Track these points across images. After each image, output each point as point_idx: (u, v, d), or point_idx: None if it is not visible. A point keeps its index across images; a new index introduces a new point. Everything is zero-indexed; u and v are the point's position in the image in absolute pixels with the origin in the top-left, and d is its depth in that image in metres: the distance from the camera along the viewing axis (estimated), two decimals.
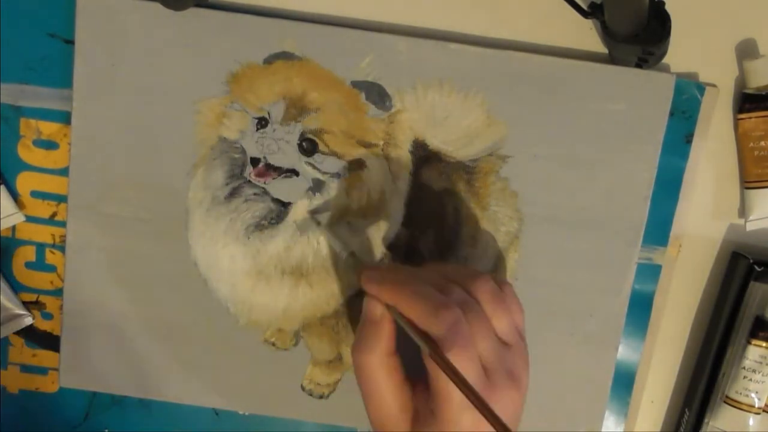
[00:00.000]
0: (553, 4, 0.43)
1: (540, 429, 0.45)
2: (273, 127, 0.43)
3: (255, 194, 0.44)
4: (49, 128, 0.45)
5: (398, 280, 0.38)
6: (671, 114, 0.43)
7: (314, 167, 0.43)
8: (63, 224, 0.46)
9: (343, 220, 0.44)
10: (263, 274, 0.44)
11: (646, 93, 0.43)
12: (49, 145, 0.45)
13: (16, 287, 0.47)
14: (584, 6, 0.42)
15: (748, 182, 0.44)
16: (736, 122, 0.44)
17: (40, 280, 0.47)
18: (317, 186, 0.43)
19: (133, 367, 0.46)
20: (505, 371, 0.36)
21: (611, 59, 0.44)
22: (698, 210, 0.45)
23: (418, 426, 0.37)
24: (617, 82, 0.43)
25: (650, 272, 0.45)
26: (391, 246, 0.44)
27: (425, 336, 0.35)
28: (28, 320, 0.46)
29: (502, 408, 0.35)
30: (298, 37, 0.43)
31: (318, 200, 0.43)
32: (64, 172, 0.45)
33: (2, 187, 0.45)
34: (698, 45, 0.44)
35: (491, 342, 0.37)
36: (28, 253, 0.46)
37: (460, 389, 0.33)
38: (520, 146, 0.43)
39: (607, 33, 0.41)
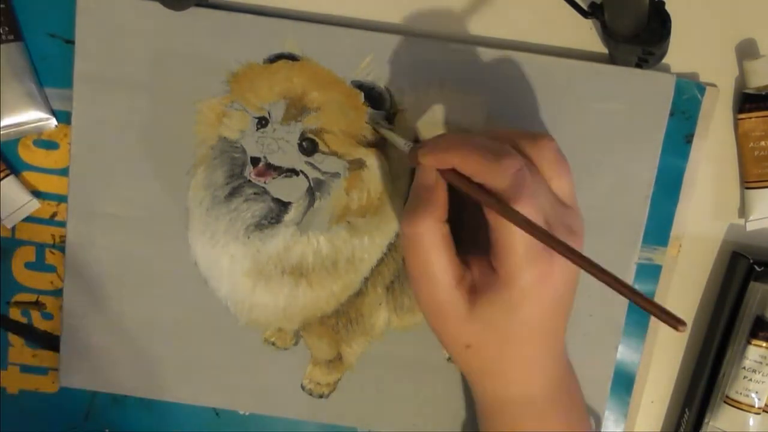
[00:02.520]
0: (553, 4, 0.43)
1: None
2: (273, 127, 0.43)
3: (255, 194, 0.44)
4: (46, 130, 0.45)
5: (453, 141, 0.36)
6: (671, 114, 0.43)
7: (314, 167, 0.43)
8: (63, 224, 0.46)
9: (343, 219, 0.44)
10: (263, 273, 0.44)
11: (646, 93, 0.43)
12: (49, 145, 0.45)
13: (16, 287, 0.47)
14: (584, 6, 0.42)
15: (748, 182, 0.44)
16: (737, 122, 0.44)
17: (40, 280, 0.47)
18: (317, 186, 0.43)
19: (134, 366, 0.46)
20: (565, 227, 0.36)
21: (611, 59, 0.44)
22: (698, 210, 0.45)
23: (476, 298, 0.36)
24: (617, 82, 0.43)
25: (650, 272, 0.45)
26: (391, 246, 0.44)
27: (487, 191, 0.34)
28: (34, 204, 0.45)
29: (565, 263, 0.34)
30: (298, 37, 0.43)
31: (318, 200, 0.43)
32: (64, 172, 0.45)
33: (12, 177, 0.45)
34: (698, 45, 0.44)
35: (550, 197, 0.36)
36: (28, 253, 0.46)
37: (530, 233, 0.32)
38: None
39: (607, 33, 0.42)
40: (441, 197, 0.36)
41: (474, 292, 0.36)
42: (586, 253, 0.43)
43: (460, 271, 0.37)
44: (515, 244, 0.34)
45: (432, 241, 0.36)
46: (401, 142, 0.40)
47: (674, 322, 0.29)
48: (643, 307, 0.30)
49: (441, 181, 0.36)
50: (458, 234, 0.38)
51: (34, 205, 0.45)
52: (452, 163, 0.35)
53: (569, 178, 0.37)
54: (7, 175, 0.44)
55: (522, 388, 0.38)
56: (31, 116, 0.44)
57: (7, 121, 0.43)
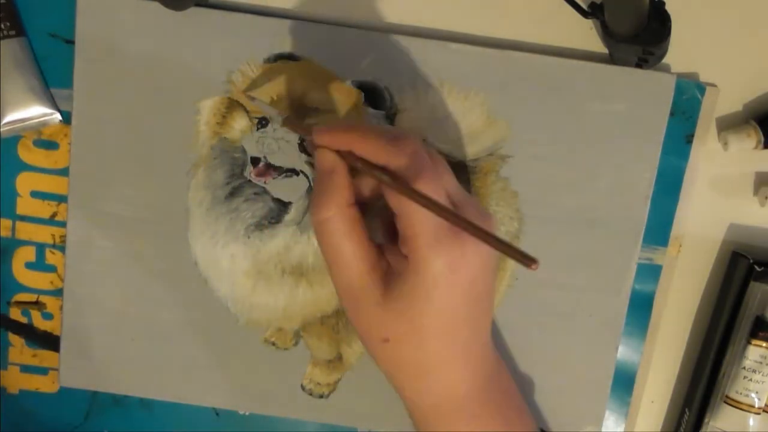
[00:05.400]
0: (553, 4, 0.43)
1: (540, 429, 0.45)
2: (273, 127, 0.43)
3: (255, 194, 0.44)
4: (49, 128, 0.45)
5: (350, 123, 0.36)
6: (672, 114, 0.43)
7: (314, 166, 0.43)
8: (63, 224, 0.46)
9: None
10: (263, 273, 0.44)
11: (646, 93, 0.43)
12: (49, 145, 0.45)
13: (16, 287, 0.47)
14: (584, 6, 0.42)
15: None
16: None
17: (40, 280, 0.47)
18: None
19: (133, 366, 0.46)
20: (473, 206, 0.35)
21: (611, 59, 0.44)
22: (698, 210, 0.45)
23: (389, 287, 0.34)
24: (617, 82, 0.43)
25: (650, 272, 0.45)
26: None
27: (386, 171, 0.33)
28: (57, 117, 0.45)
29: (477, 245, 0.33)
30: (298, 37, 0.43)
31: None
32: (64, 172, 0.45)
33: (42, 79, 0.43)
34: (698, 45, 0.44)
35: (453, 179, 0.35)
36: (28, 253, 0.46)
37: (434, 212, 0.31)
38: (521, 146, 0.43)
39: (607, 33, 0.42)
40: (343, 180, 0.35)
41: (388, 279, 0.35)
42: (586, 253, 0.44)
43: (373, 257, 0.35)
44: (422, 228, 0.33)
45: (339, 226, 0.35)
46: (274, 113, 0.39)
47: (527, 261, 0.29)
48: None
49: (341, 164, 0.35)
50: (373, 225, 0.37)
51: (56, 118, 0.44)
52: (350, 143, 0.35)
53: (452, 175, 0.36)
54: None
55: (447, 390, 0.36)
56: (35, 111, 0.44)
57: (11, 116, 0.43)
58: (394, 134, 0.34)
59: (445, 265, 0.33)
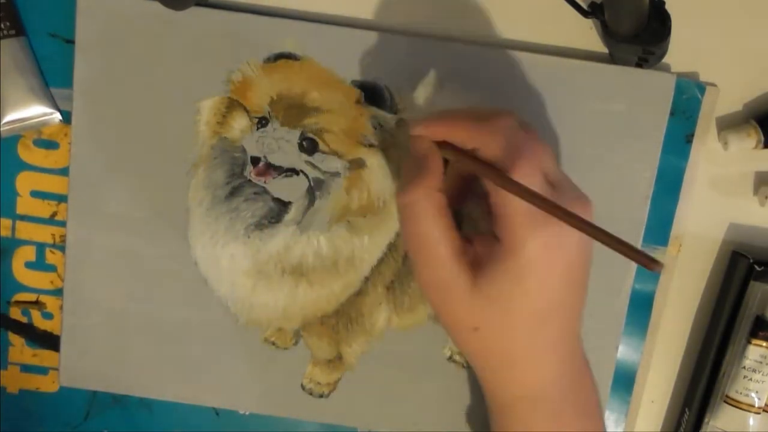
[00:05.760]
0: (553, 4, 0.43)
1: None
2: (273, 127, 0.43)
3: (255, 193, 0.44)
4: (49, 128, 0.45)
5: (444, 111, 0.35)
6: (672, 114, 0.43)
7: (314, 166, 0.43)
8: (63, 224, 0.46)
9: (343, 219, 0.44)
10: (263, 273, 0.44)
11: (646, 93, 0.43)
12: (49, 144, 0.45)
13: (16, 287, 0.47)
14: (584, 6, 0.42)
15: None
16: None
17: (40, 280, 0.47)
18: (317, 185, 0.43)
19: (133, 366, 0.46)
20: (571, 187, 0.33)
21: (611, 59, 0.44)
22: (698, 210, 0.45)
23: (479, 272, 0.33)
24: (617, 82, 0.43)
25: (650, 272, 0.45)
26: (392, 246, 0.44)
27: (482, 161, 0.32)
28: (57, 117, 0.45)
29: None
30: (298, 37, 0.43)
31: (318, 199, 0.43)
32: (64, 172, 0.45)
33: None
34: (698, 45, 0.44)
35: (553, 158, 0.33)
36: (28, 253, 0.46)
37: (526, 199, 0.30)
38: None
39: (607, 33, 0.42)
40: (434, 165, 0.34)
41: (478, 266, 0.33)
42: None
43: (460, 243, 0.34)
44: (517, 208, 0.31)
45: (426, 209, 0.33)
46: (389, 118, 0.39)
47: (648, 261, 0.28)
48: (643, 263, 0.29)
49: (434, 150, 0.34)
50: (460, 224, 0.36)
51: (56, 118, 0.44)
52: (443, 130, 0.34)
53: (549, 151, 0.35)
54: None
55: (533, 382, 0.35)
56: (35, 111, 0.44)
57: (11, 116, 0.43)
58: (485, 114, 0.33)
59: (541, 245, 0.32)
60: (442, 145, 0.34)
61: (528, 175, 0.31)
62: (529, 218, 0.32)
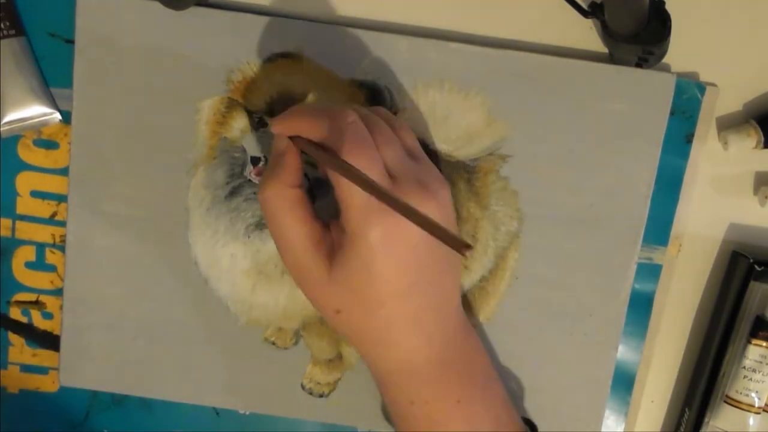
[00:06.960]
0: (553, 4, 0.43)
1: (540, 429, 0.45)
2: None
3: (255, 193, 0.44)
4: (49, 128, 0.45)
5: (300, 108, 0.37)
6: (672, 114, 0.43)
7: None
8: (63, 224, 0.46)
9: None
10: (263, 273, 0.44)
11: (646, 93, 0.43)
12: (49, 144, 0.45)
13: (16, 287, 0.47)
14: (584, 6, 0.42)
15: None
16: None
17: (40, 280, 0.47)
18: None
19: (134, 366, 0.46)
20: (414, 180, 0.35)
21: (611, 59, 0.44)
22: (698, 210, 0.45)
23: (334, 258, 0.35)
24: (617, 82, 0.43)
25: (650, 272, 0.45)
26: None
27: (324, 148, 0.34)
28: (56, 117, 0.45)
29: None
30: (298, 37, 0.43)
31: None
32: (64, 172, 0.45)
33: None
34: (698, 45, 0.44)
35: (397, 150, 0.35)
36: (28, 253, 0.46)
37: (362, 187, 0.32)
38: (521, 146, 0.43)
39: (607, 33, 0.42)
40: (290, 162, 0.36)
41: (333, 253, 0.36)
42: (586, 252, 0.44)
43: (318, 234, 0.36)
44: (354, 199, 0.33)
45: (281, 205, 0.36)
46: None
47: (459, 245, 0.30)
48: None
49: (291, 147, 0.36)
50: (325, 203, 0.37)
51: (56, 118, 0.45)
52: (297, 127, 0.36)
53: (411, 135, 0.37)
54: None
55: (402, 355, 0.36)
56: (35, 111, 0.44)
57: (11, 116, 0.43)
58: (332, 109, 0.35)
59: (380, 235, 0.33)
60: (297, 139, 0.36)
61: (361, 161, 0.33)
62: (367, 208, 0.33)
